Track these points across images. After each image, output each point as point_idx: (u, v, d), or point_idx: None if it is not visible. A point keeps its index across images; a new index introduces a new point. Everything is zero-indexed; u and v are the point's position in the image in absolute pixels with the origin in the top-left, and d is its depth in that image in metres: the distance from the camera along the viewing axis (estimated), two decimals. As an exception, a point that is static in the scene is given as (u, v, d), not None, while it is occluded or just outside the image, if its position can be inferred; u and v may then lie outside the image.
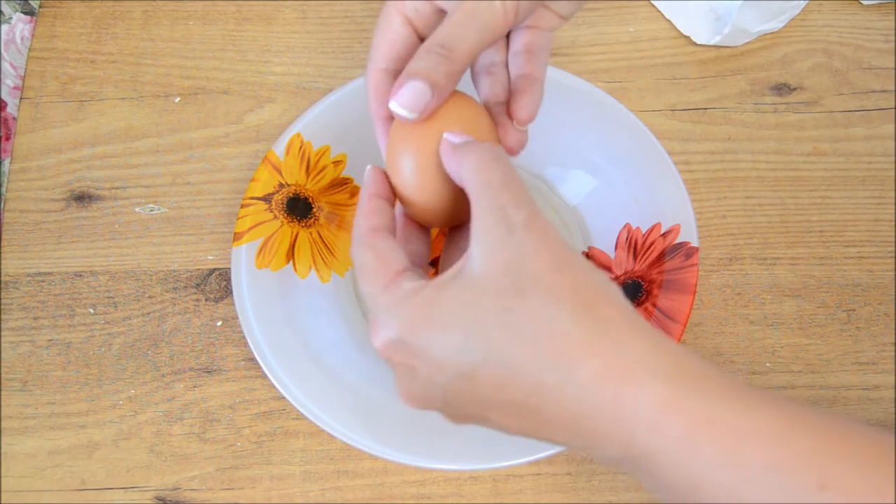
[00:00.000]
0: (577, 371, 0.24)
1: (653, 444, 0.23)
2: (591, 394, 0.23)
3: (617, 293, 0.25)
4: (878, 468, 0.22)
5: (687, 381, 0.23)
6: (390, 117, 0.31)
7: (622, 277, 0.42)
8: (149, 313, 0.44)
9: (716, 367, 0.24)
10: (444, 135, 0.29)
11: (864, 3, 0.51)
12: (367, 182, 0.30)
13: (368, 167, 0.31)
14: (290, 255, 0.43)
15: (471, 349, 0.25)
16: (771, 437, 0.22)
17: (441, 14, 0.31)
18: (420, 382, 0.26)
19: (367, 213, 0.29)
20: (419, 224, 0.32)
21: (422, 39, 0.31)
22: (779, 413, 0.23)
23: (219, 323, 0.43)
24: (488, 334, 0.24)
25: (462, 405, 0.26)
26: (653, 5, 0.51)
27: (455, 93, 0.31)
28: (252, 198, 0.43)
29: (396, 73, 0.31)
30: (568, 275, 0.25)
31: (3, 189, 0.47)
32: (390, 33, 0.31)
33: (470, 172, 0.27)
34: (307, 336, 0.41)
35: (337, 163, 0.45)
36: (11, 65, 0.50)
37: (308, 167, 0.44)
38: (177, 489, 0.40)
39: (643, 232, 0.42)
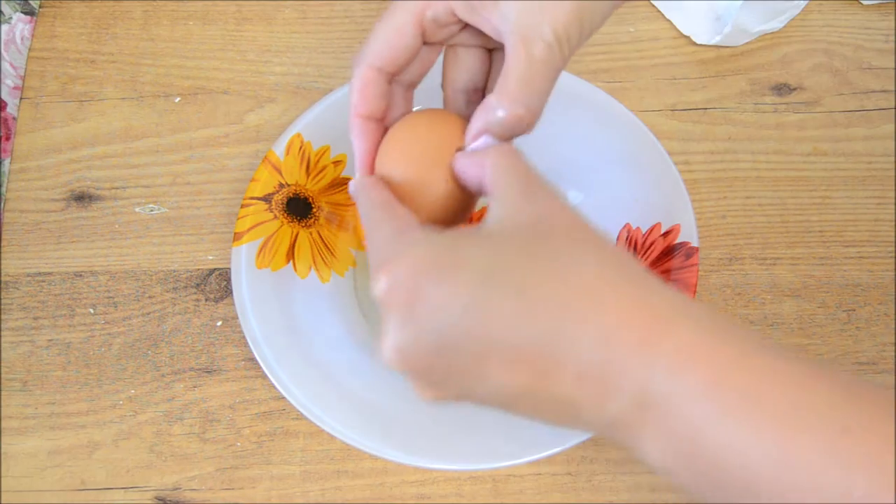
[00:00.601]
0: (604, 309, 0.23)
1: (671, 386, 0.22)
2: (617, 333, 0.23)
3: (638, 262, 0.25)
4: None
5: (712, 328, 0.23)
6: (370, 117, 0.31)
7: (622, 277, 0.42)
8: (149, 313, 0.44)
9: (738, 321, 0.24)
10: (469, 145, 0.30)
11: (864, 3, 0.51)
12: (370, 191, 0.30)
13: (362, 179, 0.31)
14: (290, 255, 0.43)
15: (489, 284, 0.23)
16: (795, 382, 0.22)
17: (459, 24, 0.30)
18: (413, 328, 0.24)
19: (379, 189, 0.29)
20: None
21: (427, 44, 0.31)
22: (801, 364, 0.22)
23: (219, 323, 0.43)
24: (512, 270, 0.24)
25: (456, 355, 0.24)
26: (653, 5, 0.51)
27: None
28: (252, 198, 0.43)
29: (390, 75, 0.31)
30: (592, 233, 0.25)
31: (3, 189, 0.47)
32: (399, 40, 0.30)
33: (492, 161, 0.27)
34: (307, 336, 0.41)
35: (337, 163, 0.45)
36: (11, 65, 0.50)
37: (308, 167, 0.44)
38: (177, 489, 0.40)
39: (643, 232, 0.42)
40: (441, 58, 0.33)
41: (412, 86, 0.33)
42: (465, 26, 0.31)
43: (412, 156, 0.30)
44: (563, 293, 0.23)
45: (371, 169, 0.31)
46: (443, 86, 0.33)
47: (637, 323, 0.23)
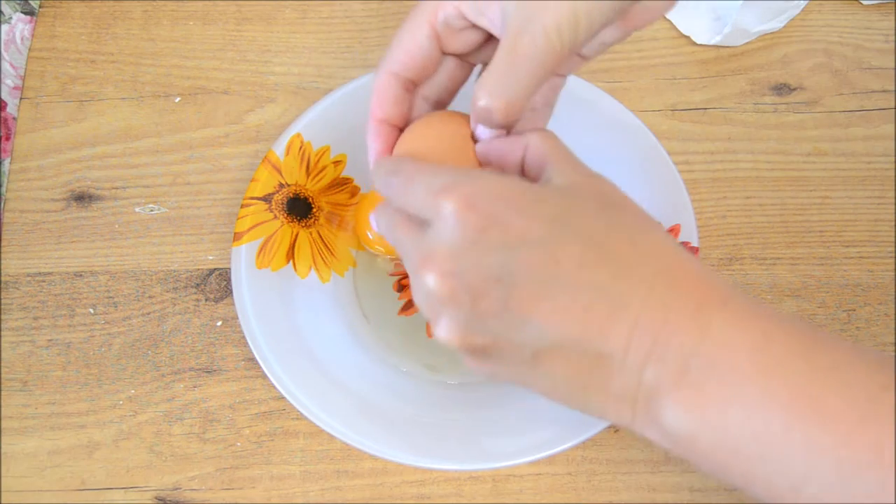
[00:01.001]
0: (667, 275, 0.24)
1: (721, 349, 0.23)
2: (677, 299, 0.24)
3: None
4: None
5: (756, 305, 0.25)
6: (386, 121, 0.31)
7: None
8: (149, 313, 0.44)
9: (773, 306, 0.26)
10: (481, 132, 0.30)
11: (864, 3, 0.51)
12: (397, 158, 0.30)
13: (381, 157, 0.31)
14: (290, 255, 0.43)
15: (564, 227, 0.24)
16: (837, 347, 0.23)
17: (474, 30, 0.30)
18: (481, 249, 0.24)
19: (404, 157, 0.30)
20: None
21: (445, 53, 0.31)
22: (841, 338, 0.24)
23: (219, 323, 0.43)
24: (586, 221, 0.24)
25: (513, 287, 0.24)
26: (653, 5, 0.51)
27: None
28: (252, 198, 0.43)
29: (408, 81, 0.31)
30: (651, 216, 0.27)
31: (3, 189, 0.47)
32: (413, 44, 0.30)
33: (536, 141, 0.28)
34: (307, 336, 0.41)
35: (337, 163, 0.45)
36: (11, 65, 0.50)
37: (308, 167, 0.44)
38: (177, 489, 0.40)
39: (643, 232, 0.42)
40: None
41: (441, 104, 0.33)
42: (489, 39, 0.31)
43: (428, 145, 0.30)
44: (630, 252, 0.24)
45: None
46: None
47: (696, 292, 0.24)
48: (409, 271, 0.27)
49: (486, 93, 0.28)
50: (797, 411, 0.22)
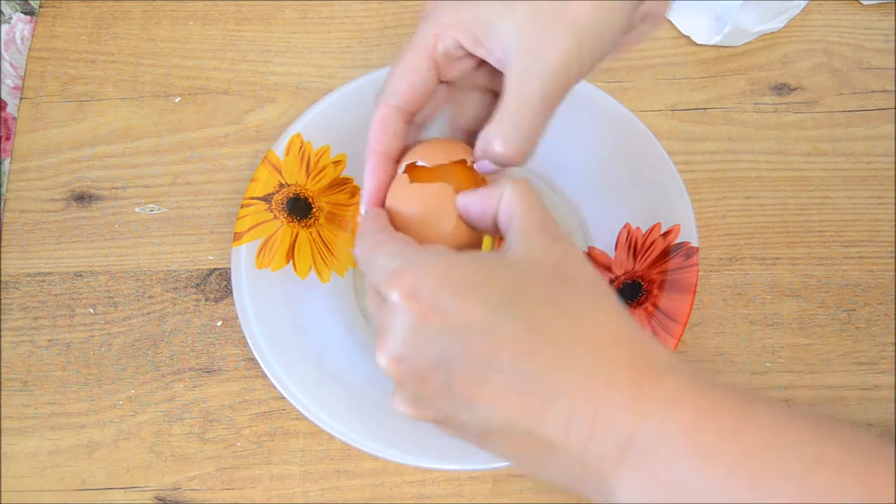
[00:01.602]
0: (608, 353, 0.24)
1: (657, 430, 0.23)
2: (617, 386, 0.24)
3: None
4: (871, 452, 0.23)
5: (694, 382, 0.24)
6: (386, 154, 0.31)
7: (622, 277, 0.42)
8: (149, 313, 0.44)
9: (715, 378, 0.26)
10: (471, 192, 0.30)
11: (864, 3, 0.51)
12: (370, 219, 0.30)
13: (366, 211, 0.31)
14: (290, 255, 0.43)
15: (507, 311, 0.24)
16: (771, 421, 0.23)
17: (469, 59, 0.30)
18: (421, 337, 0.25)
19: (383, 217, 0.30)
20: None
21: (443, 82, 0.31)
22: (776, 406, 0.24)
23: (219, 323, 0.43)
24: (531, 303, 0.24)
25: (454, 373, 0.24)
26: (653, 5, 0.51)
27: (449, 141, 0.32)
28: (252, 198, 0.43)
29: (408, 114, 0.31)
30: (608, 288, 0.26)
31: (3, 189, 0.47)
32: (413, 75, 0.30)
33: (508, 196, 0.28)
34: (307, 336, 0.41)
35: (337, 163, 0.45)
36: (11, 65, 0.50)
37: (308, 167, 0.44)
38: (177, 489, 0.40)
39: (643, 232, 0.42)
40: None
41: (424, 126, 0.34)
42: (480, 64, 0.31)
43: (413, 203, 0.30)
44: (572, 333, 0.24)
45: (380, 203, 0.32)
46: (448, 125, 0.34)
47: (634, 371, 0.24)
48: None
49: (502, 141, 0.29)
50: (736, 487, 0.22)
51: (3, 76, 0.49)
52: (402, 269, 0.26)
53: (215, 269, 0.45)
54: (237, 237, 0.42)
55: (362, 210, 0.32)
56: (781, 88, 0.49)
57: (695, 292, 0.40)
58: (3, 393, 0.42)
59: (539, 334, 0.24)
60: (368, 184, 0.32)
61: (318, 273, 0.43)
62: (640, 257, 0.42)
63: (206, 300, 0.44)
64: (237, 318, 0.40)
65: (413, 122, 0.32)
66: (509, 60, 0.28)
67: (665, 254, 0.41)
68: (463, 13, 0.29)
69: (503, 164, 0.30)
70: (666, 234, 0.41)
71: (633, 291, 0.41)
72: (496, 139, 0.29)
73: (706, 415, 0.23)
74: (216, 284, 0.44)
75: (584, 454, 0.24)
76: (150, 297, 0.44)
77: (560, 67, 0.27)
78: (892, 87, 0.49)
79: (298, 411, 0.38)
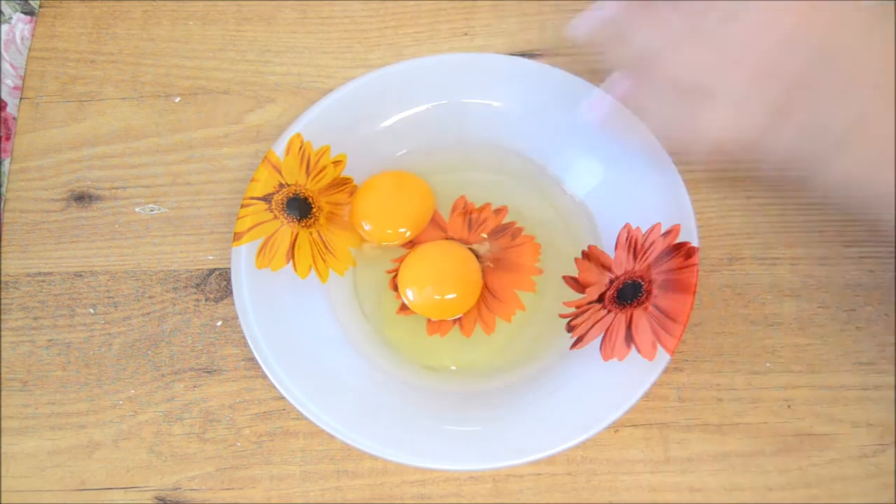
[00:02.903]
0: None
1: None
2: None
3: None
4: None
5: None
6: None
7: (622, 277, 0.42)
8: (149, 313, 0.44)
9: None
10: None
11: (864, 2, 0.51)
12: None
13: None
14: (290, 255, 0.43)
15: None
16: None
17: None
18: None
19: None
20: None
21: None
22: None
23: (219, 323, 0.43)
24: None
25: None
26: (653, 5, 0.51)
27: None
28: (252, 198, 0.43)
29: None
30: None
31: (3, 189, 0.47)
32: None
33: None
34: (307, 336, 0.41)
35: (337, 163, 0.45)
36: (11, 65, 0.50)
37: (308, 167, 0.44)
38: (177, 489, 0.40)
39: (643, 232, 0.42)
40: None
41: None
42: None
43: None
44: None
45: None
46: None
47: None
48: None
49: None
50: None
51: (3, 76, 0.49)
52: None
53: (215, 269, 0.45)
54: (237, 237, 0.42)
55: None
56: (781, 88, 0.49)
57: (695, 292, 0.39)
58: (3, 393, 0.42)
59: None
60: None
61: (318, 273, 0.43)
62: (640, 257, 0.42)
63: (206, 300, 0.44)
64: (237, 318, 0.40)
65: None
66: None
67: (665, 254, 0.41)
68: None
69: None
70: (666, 234, 0.41)
71: (633, 291, 0.41)
72: None
73: None
74: (216, 284, 0.44)
75: None
76: (150, 297, 0.44)
77: None
78: (892, 87, 0.49)
79: (298, 411, 0.38)
